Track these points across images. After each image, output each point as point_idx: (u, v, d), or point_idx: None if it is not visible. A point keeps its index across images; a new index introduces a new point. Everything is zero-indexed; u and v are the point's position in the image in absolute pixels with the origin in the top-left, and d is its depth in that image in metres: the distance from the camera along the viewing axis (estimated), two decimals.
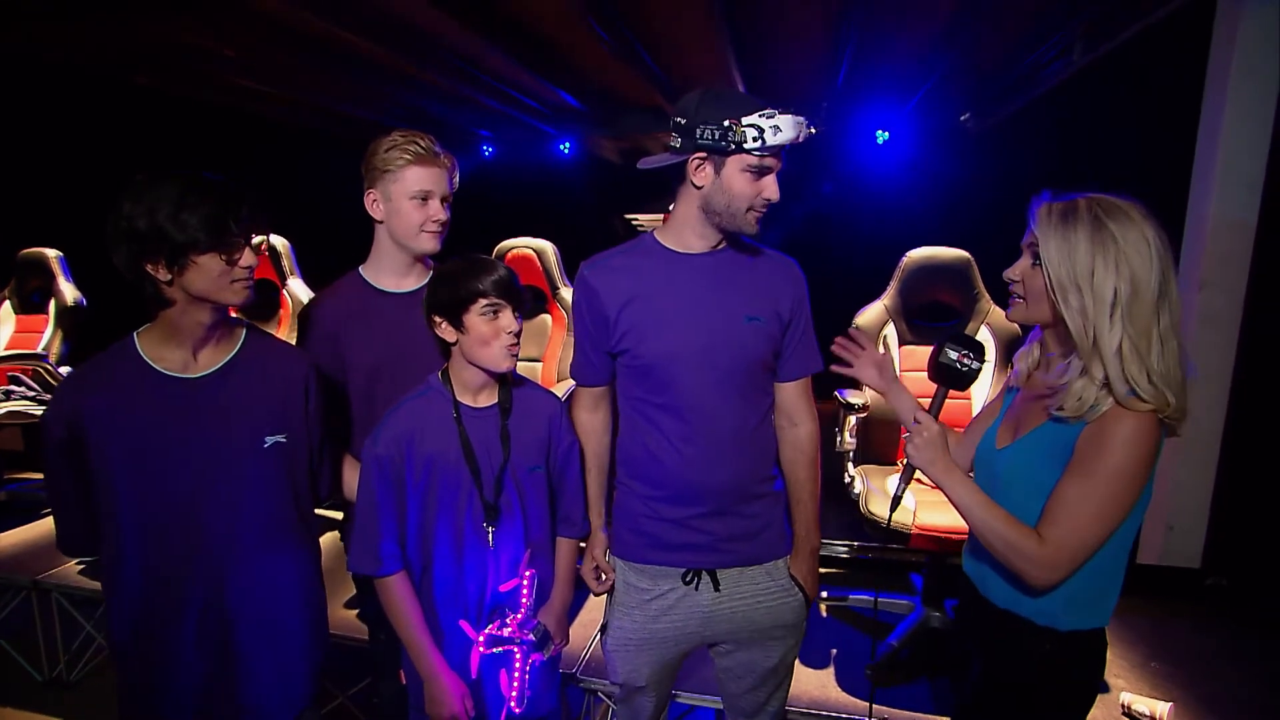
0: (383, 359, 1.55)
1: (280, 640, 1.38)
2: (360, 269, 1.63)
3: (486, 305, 1.34)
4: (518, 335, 1.38)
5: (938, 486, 1.21)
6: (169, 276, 1.20)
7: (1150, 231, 1.08)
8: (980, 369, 1.29)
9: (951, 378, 1.29)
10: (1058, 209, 1.12)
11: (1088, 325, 1.08)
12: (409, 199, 1.52)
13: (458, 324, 1.36)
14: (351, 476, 1.55)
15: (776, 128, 1.29)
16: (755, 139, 1.28)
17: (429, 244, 1.56)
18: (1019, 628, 1.20)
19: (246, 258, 1.25)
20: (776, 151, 1.32)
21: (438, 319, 1.38)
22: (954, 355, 1.28)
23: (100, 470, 1.24)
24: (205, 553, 1.29)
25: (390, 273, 1.60)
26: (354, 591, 2.46)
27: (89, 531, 1.30)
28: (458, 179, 1.59)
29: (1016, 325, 1.34)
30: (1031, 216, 1.15)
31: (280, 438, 1.34)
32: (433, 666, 1.40)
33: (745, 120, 1.29)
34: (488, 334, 1.35)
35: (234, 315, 1.36)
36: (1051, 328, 1.18)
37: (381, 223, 1.57)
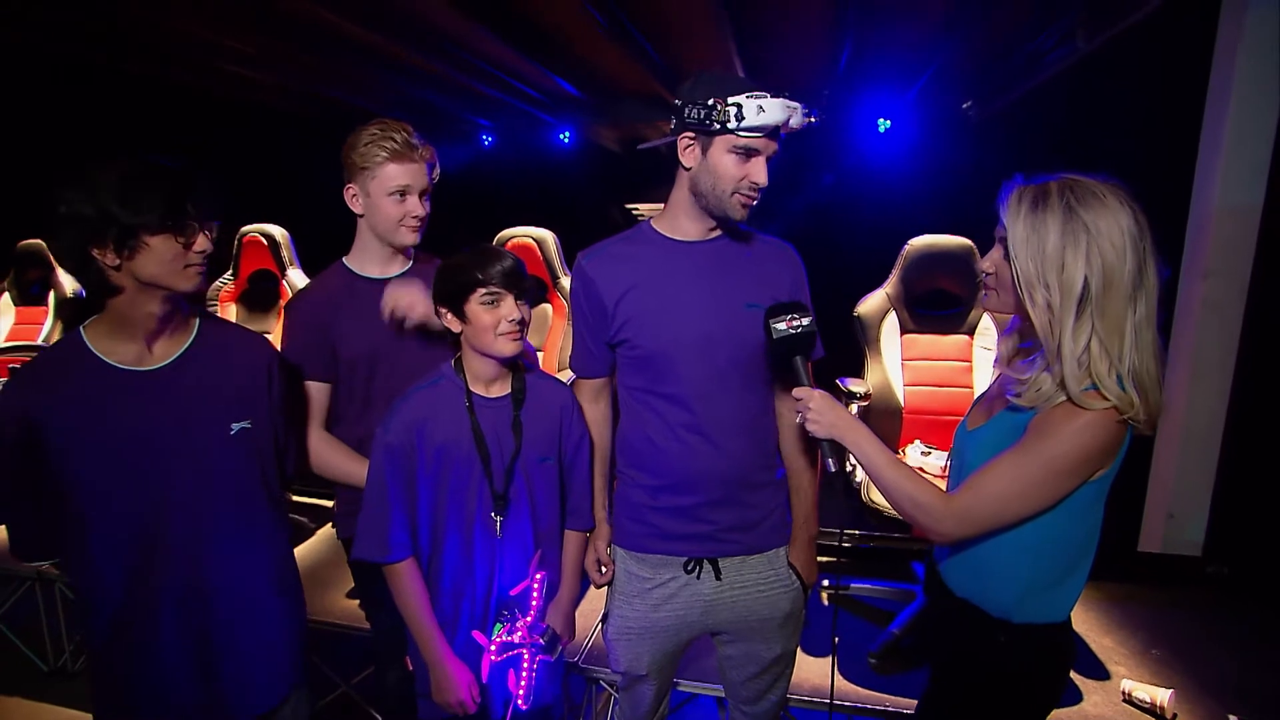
0: (376, 345, 1.56)
1: (260, 621, 1.37)
2: (344, 260, 1.64)
3: (486, 294, 1.34)
4: (521, 323, 1.37)
5: (845, 446, 1.19)
6: (117, 261, 1.15)
7: (1126, 218, 1.01)
8: (812, 320, 1.27)
9: (795, 345, 1.26)
10: (1029, 195, 1.06)
11: (1054, 323, 1.03)
12: (387, 195, 1.52)
13: (460, 314, 1.37)
14: (325, 452, 1.57)
15: (760, 108, 1.26)
16: (738, 118, 1.26)
17: (408, 238, 1.58)
18: (975, 618, 1.17)
19: (201, 242, 1.21)
20: (766, 134, 1.29)
21: (442, 309, 1.39)
22: (783, 326, 1.26)
23: (61, 470, 1.20)
24: (178, 543, 1.27)
25: (374, 262, 1.62)
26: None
27: (45, 534, 1.27)
28: (438, 171, 1.60)
29: None
30: (1002, 204, 1.09)
31: (245, 424, 1.33)
32: (439, 654, 1.40)
33: (731, 99, 1.27)
34: (488, 323, 1.35)
35: (188, 305, 1.32)
36: (1024, 319, 1.13)
37: (362, 216, 1.58)
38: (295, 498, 3.35)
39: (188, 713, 1.32)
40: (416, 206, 1.55)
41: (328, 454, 1.58)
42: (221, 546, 1.31)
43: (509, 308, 1.36)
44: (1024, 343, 1.17)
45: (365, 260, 1.62)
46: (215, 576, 1.31)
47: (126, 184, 1.13)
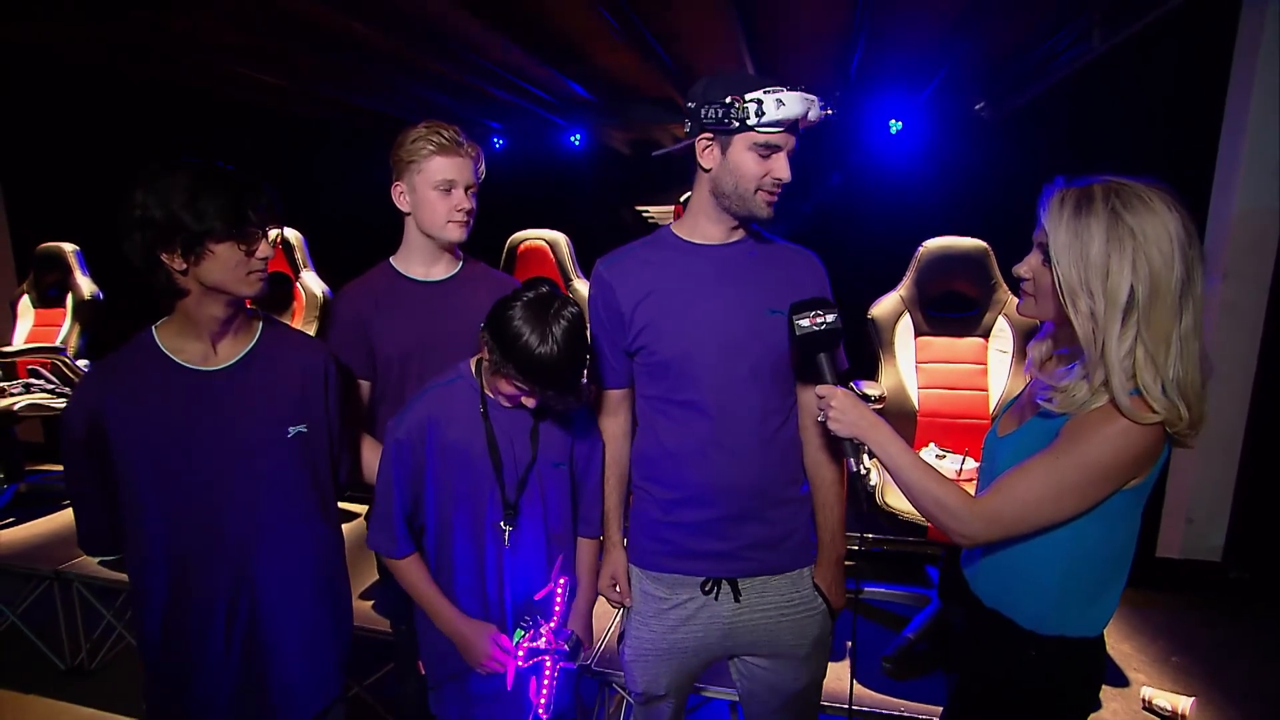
0: (411, 346, 1.56)
1: (307, 629, 1.38)
2: (390, 259, 1.64)
3: (519, 381, 1.30)
4: (537, 403, 1.36)
5: (867, 444, 1.18)
6: (184, 266, 1.19)
7: (1174, 224, 0.97)
8: (837, 315, 1.24)
9: (819, 342, 1.24)
10: (1071, 198, 1.01)
11: (1097, 332, 0.99)
12: (433, 189, 1.53)
13: (494, 360, 1.32)
14: (374, 460, 1.55)
15: (780, 102, 1.24)
16: (758, 113, 1.24)
17: (455, 233, 1.57)
18: (1003, 629, 1.14)
19: (263, 249, 1.24)
20: (785, 129, 1.27)
21: (484, 335, 1.33)
22: (806, 323, 1.24)
23: (123, 466, 1.24)
24: (231, 544, 1.29)
25: (419, 262, 1.61)
26: (369, 583, 2.49)
27: (111, 528, 1.30)
28: (484, 168, 1.60)
29: None
30: (1042, 207, 1.05)
31: (302, 427, 1.34)
32: (455, 622, 1.40)
33: (748, 96, 1.25)
34: (508, 390, 1.35)
35: (250, 307, 1.36)
36: (1061, 326, 1.10)
37: (409, 214, 1.58)
38: None
39: (234, 715, 1.33)
40: (463, 200, 1.55)
41: (374, 461, 1.56)
42: (272, 550, 1.32)
43: (533, 400, 1.35)
44: (1060, 349, 1.13)
45: (410, 260, 1.62)
46: (264, 580, 1.32)
47: (194, 192, 1.16)
